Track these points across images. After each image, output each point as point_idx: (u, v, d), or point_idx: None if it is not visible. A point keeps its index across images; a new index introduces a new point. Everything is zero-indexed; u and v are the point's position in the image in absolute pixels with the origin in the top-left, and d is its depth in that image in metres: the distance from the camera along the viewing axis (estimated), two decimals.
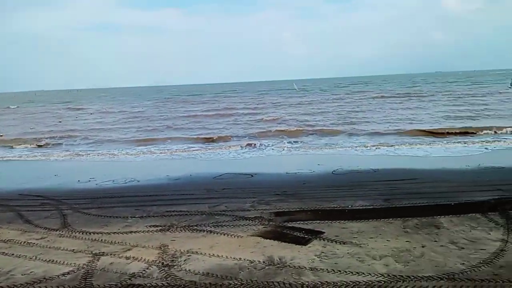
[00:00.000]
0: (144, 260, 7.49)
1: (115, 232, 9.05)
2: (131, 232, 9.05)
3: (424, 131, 26.04)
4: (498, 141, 21.39)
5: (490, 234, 8.16)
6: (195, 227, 9.25)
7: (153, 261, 7.44)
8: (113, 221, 9.91)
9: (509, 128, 24.47)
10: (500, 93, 56.02)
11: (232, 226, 9.20)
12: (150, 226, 9.37)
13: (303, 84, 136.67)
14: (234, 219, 9.74)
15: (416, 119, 32.71)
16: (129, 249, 8.04)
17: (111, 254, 7.83)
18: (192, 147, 24.41)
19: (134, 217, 10.16)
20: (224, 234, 8.71)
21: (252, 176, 15.26)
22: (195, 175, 15.84)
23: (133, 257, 7.62)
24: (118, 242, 8.43)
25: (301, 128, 29.90)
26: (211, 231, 8.95)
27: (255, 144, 22.84)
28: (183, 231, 9.07)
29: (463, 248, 7.52)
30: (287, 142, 23.95)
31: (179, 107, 59.42)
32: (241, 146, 23.25)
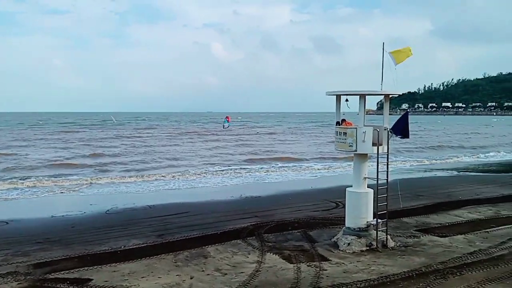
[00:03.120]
0: None
1: None
2: None
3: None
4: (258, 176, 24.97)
5: (248, 257, 9.28)
6: None
7: None
8: None
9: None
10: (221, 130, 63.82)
11: None
12: None
13: (80, 117, 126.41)
14: None
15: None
16: None
17: None
18: None
19: None
20: None
21: (7, 223, 12.99)
22: None
23: None
24: None
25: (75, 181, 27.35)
26: None
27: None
28: None
29: (226, 274, 8.28)
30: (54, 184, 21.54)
31: None
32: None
